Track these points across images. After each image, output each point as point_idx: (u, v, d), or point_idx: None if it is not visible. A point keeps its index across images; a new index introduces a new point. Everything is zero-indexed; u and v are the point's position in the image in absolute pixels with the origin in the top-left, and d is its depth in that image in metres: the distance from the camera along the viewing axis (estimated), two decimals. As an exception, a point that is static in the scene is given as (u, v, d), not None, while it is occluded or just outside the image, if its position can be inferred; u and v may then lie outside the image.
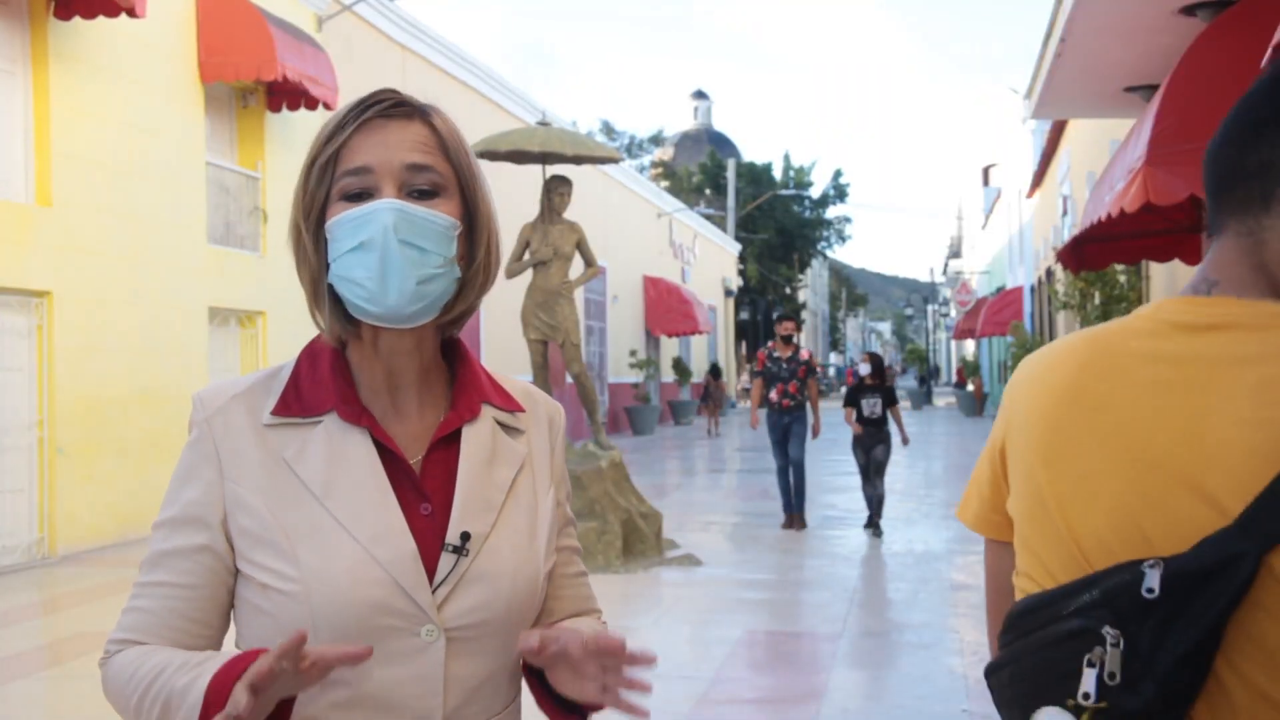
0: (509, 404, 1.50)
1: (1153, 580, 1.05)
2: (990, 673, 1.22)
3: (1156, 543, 1.09)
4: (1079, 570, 1.14)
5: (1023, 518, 1.24)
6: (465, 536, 1.37)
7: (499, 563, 1.39)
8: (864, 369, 11.25)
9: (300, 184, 1.38)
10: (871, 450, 11.16)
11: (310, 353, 1.44)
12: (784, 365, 11.19)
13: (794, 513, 11.29)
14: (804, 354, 11.25)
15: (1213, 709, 1.05)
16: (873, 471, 11.13)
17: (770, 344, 11.51)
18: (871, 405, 11.09)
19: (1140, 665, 1.05)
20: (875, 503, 11.06)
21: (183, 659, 1.31)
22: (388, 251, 1.32)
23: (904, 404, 41.20)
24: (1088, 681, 1.06)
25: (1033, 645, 1.14)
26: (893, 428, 11.32)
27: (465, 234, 1.41)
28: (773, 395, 11.19)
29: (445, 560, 1.36)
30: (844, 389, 11.51)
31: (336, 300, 1.39)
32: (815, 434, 11.37)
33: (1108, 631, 1.06)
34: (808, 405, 11.27)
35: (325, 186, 1.36)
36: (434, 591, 1.34)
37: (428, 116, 1.41)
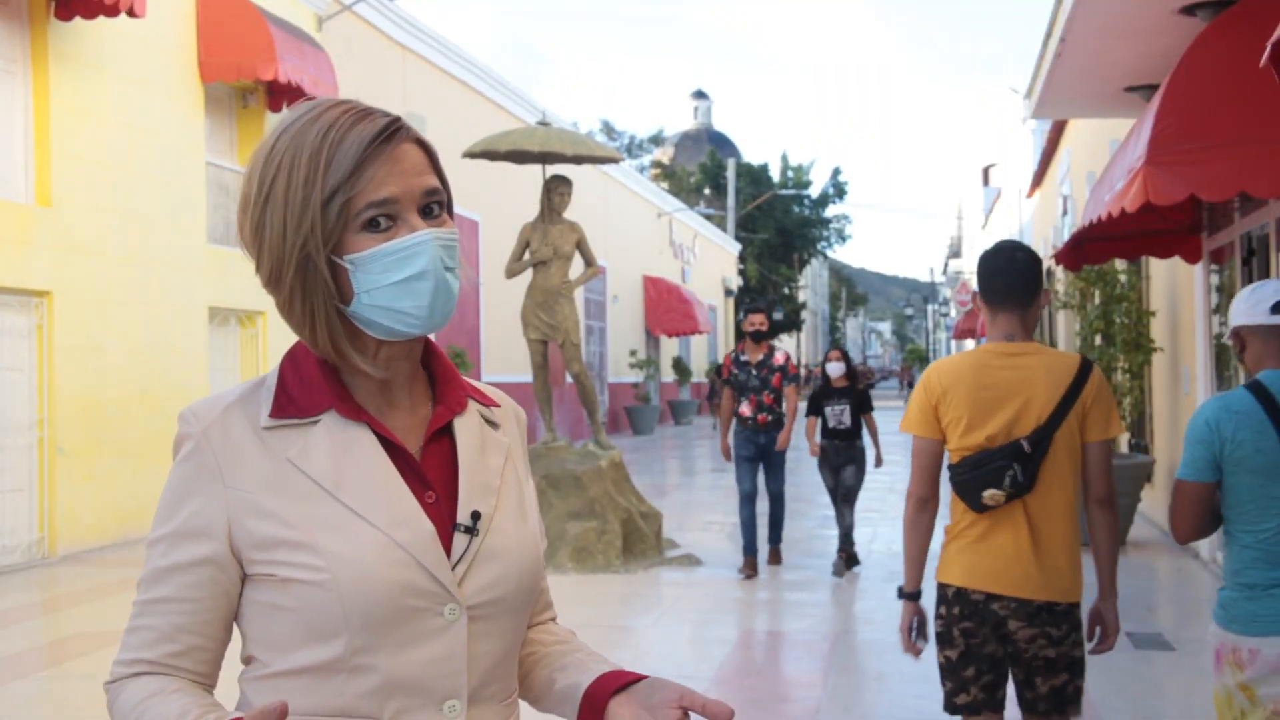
0: (486, 400, 1.56)
1: (1028, 446, 3.17)
2: (957, 482, 3.26)
3: (1017, 434, 3.20)
4: (985, 446, 3.22)
5: (959, 429, 3.26)
6: (475, 516, 1.41)
7: (506, 541, 1.44)
8: (835, 369, 9.22)
9: (296, 216, 1.33)
10: (840, 471, 9.18)
11: (292, 358, 1.45)
12: (754, 372, 9.11)
13: (752, 555, 9.12)
14: (779, 356, 9.15)
15: (1037, 488, 3.20)
16: (840, 498, 9.19)
17: (738, 345, 9.41)
18: (838, 413, 9.08)
19: (1023, 475, 3.17)
20: (842, 535, 9.15)
21: (178, 713, 1.31)
22: (440, 281, 1.36)
23: (902, 404, 41.08)
24: (1007, 480, 3.16)
25: (981, 472, 3.19)
26: (867, 442, 9.37)
27: None
28: (744, 409, 9.13)
29: (459, 540, 1.40)
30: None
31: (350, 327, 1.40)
32: (812, 452, 9.43)
33: (1013, 465, 3.16)
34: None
35: (343, 218, 1.34)
36: (453, 570, 1.38)
37: (411, 132, 1.40)
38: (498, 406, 1.57)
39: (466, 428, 1.48)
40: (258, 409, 1.41)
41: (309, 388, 1.42)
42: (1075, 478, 3.25)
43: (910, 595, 3.50)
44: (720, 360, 35.93)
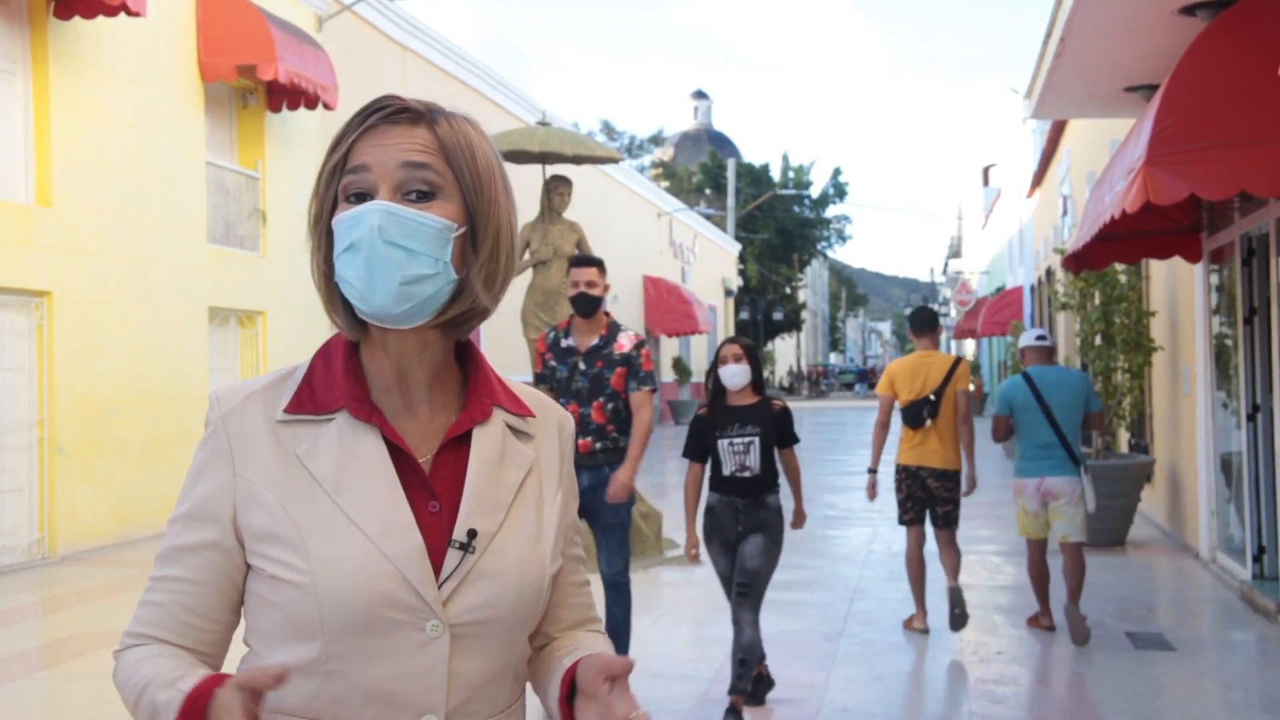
0: (520, 408, 1.51)
1: (933, 397, 7.01)
2: (904, 415, 7.11)
3: (926, 392, 7.03)
4: (915, 398, 7.05)
5: (904, 392, 7.10)
6: (472, 534, 1.38)
7: (505, 561, 1.40)
8: (735, 375, 5.44)
9: (313, 190, 1.42)
10: (740, 544, 5.36)
11: (325, 352, 1.46)
12: (582, 366, 5.69)
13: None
14: (624, 341, 5.72)
15: (939, 417, 7.08)
16: (736, 591, 5.30)
17: (559, 324, 6.04)
18: (739, 450, 5.39)
19: (929, 411, 7.02)
20: (739, 661, 5.16)
21: (169, 673, 1.33)
22: (373, 252, 1.33)
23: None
24: (926, 412, 7.00)
25: (914, 409, 7.05)
26: (786, 495, 5.62)
27: (468, 237, 1.40)
28: None
29: (452, 557, 1.37)
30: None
31: (345, 299, 1.42)
32: (689, 548, 5.57)
33: (928, 408, 7.01)
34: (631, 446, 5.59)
35: (333, 190, 1.39)
36: (440, 587, 1.36)
37: (433, 122, 1.40)
38: (533, 416, 1.52)
39: (486, 438, 1.44)
40: (279, 400, 1.42)
41: (331, 384, 1.42)
42: (954, 413, 6.99)
43: (872, 470, 7.24)
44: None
